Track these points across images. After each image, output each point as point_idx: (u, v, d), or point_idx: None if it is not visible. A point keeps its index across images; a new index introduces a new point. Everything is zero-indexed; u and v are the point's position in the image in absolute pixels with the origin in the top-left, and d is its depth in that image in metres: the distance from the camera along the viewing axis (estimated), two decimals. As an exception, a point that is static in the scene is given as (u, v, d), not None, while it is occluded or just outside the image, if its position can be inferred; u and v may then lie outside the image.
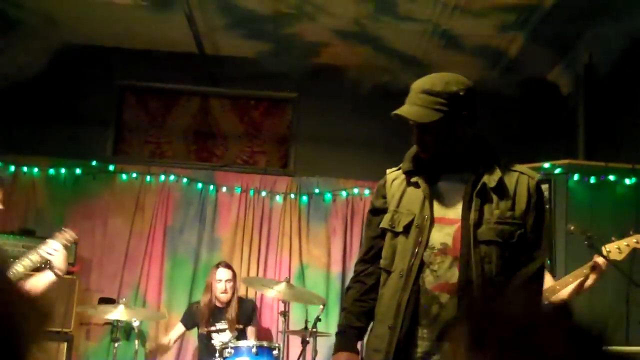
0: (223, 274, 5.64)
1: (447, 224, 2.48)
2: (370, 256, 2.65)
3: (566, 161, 5.48)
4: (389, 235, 2.57)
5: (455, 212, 2.48)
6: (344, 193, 6.60)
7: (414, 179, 2.56)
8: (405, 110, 2.48)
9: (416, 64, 6.65)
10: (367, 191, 6.56)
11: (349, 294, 2.69)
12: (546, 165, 5.42)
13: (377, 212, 2.67)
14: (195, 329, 5.75)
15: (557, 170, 5.39)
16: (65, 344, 5.59)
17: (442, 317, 2.42)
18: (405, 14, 5.84)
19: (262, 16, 6.07)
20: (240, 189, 6.59)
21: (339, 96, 6.86)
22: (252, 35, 6.48)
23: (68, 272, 5.58)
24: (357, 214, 6.54)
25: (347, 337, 2.62)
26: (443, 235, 2.47)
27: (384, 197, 2.64)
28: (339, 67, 6.86)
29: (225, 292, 5.59)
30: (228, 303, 5.62)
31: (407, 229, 2.51)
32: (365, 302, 2.61)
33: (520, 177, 2.51)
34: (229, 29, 6.35)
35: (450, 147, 2.51)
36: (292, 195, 6.59)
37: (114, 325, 5.29)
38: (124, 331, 5.74)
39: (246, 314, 5.69)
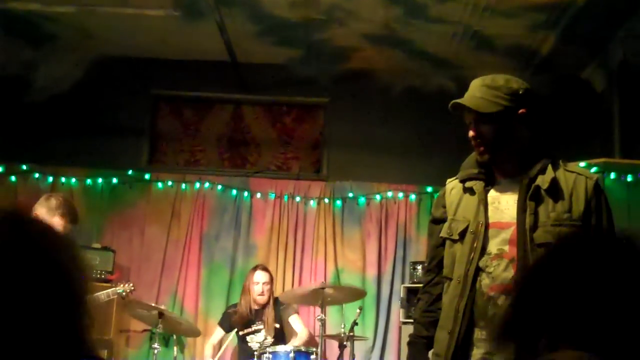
0: (260, 276, 5.69)
1: (502, 229, 2.48)
2: (434, 265, 2.69)
3: (602, 160, 5.41)
4: (447, 243, 2.60)
5: (510, 216, 2.47)
6: (377, 197, 6.59)
7: (468, 185, 2.58)
8: (466, 99, 2.48)
9: (447, 66, 6.63)
10: (400, 194, 6.56)
11: (418, 305, 2.74)
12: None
13: (437, 221, 2.70)
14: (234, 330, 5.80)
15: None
16: (105, 350, 5.67)
17: (498, 318, 2.41)
18: (435, 16, 5.83)
19: (293, 23, 6.11)
20: (274, 194, 6.63)
21: (370, 100, 6.87)
22: (282, 42, 6.52)
23: (107, 280, 5.71)
24: (391, 217, 6.54)
25: (417, 347, 2.68)
26: (499, 240, 2.47)
27: (444, 206, 2.67)
28: (370, 71, 6.86)
29: (262, 294, 5.63)
30: (265, 305, 5.66)
31: (462, 235, 2.53)
32: (433, 312, 2.64)
33: (578, 178, 2.49)
34: (260, 36, 6.40)
35: (507, 146, 2.49)
36: (326, 200, 6.61)
37: (152, 332, 5.35)
38: (163, 338, 5.80)
39: (281, 314, 5.74)
